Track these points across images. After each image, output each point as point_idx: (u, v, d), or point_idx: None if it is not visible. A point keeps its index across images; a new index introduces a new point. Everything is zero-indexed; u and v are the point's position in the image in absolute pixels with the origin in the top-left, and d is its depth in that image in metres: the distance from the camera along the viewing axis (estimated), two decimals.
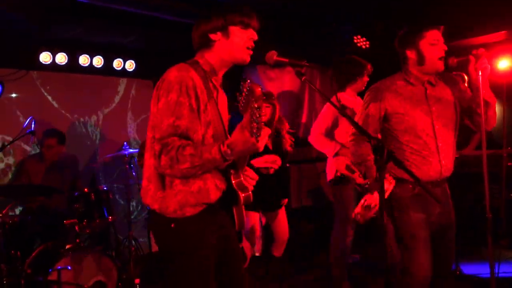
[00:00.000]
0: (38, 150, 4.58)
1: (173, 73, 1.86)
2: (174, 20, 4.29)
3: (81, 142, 5.25)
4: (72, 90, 5.18)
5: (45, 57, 4.70)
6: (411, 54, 2.54)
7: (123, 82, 5.59)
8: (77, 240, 3.62)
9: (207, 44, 1.98)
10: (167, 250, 1.96)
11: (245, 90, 1.65)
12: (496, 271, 2.78)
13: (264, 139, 1.71)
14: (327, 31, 4.97)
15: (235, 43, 1.95)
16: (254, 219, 3.86)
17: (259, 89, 1.63)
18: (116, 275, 3.62)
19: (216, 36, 1.95)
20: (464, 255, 4.48)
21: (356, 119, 2.64)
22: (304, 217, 5.23)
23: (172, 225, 1.88)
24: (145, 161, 1.96)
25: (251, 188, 1.99)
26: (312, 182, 5.25)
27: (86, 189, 3.83)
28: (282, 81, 5.82)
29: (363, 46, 5.01)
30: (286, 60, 1.95)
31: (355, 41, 5.01)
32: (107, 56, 5.13)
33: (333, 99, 4.23)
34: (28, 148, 4.76)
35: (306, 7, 4.48)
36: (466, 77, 4.14)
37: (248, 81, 1.68)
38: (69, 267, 3.36)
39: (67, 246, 3.51)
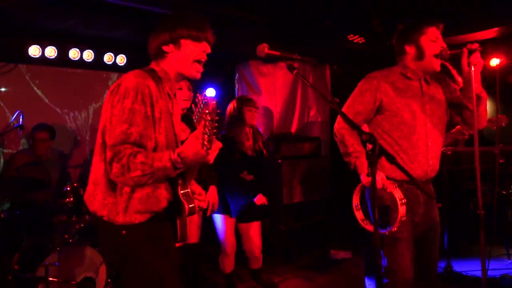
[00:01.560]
0: (26, 146, 4.53)
1: (129, 80, 1.85)
2: (166, 14, 4.24)
3: (70, 136, 5.20)
4: (62, 84, 5.12)
5: (34, 51, 4.63)
6: (410, 50, 2.51)
7: (114, 76, 5.53)
8: (66, 236, 3.57)
9: (161, 55, 1.99)
10: (120, 258, 1.92)
11: (200, 102, 1.68)
12: (487, 267, 2.79)
13: (214, 152, 1.76)
14: (322, 27, 4.95)
15: (186, 55, 1.96)
16: (230, 228, 3.82)
17: (214, 103, 1.65)
18: (105, 271, 3.58)
19: (168, 48, 1.97)
20: (455, 252, 4.50)
21: (347, 104, 2.58)
22: (294, 214, 5.22)
23: (123, 232, 1.86)
24: (92, 165, 1.93)
25: (197, 202, 1.99)
26: (304, 179, 5.23)
27: (75, 184, 3.79)
28: (275, 76, 5.79)
29: (360, 42, 4.99)
30: (277, 53, 1.92)
31: (350, 39, 4.99)
32: (98, 50, 5.07)
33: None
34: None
35: (300, 3, 4.45)
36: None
37: (204, 94, 1.71)
38: (57, 263, 3.32)
39: (56, 242, 3.46)
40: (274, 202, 4.89)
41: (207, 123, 1.63)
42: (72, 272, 3.43)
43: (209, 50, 2.00)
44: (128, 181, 1.75)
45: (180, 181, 1.92)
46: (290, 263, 4.83)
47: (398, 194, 2.30)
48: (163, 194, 1.91)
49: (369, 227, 2.44)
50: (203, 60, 1.99)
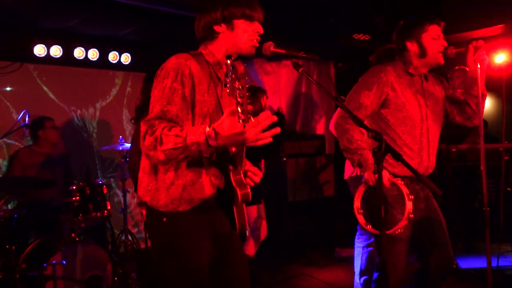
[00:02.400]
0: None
1: (171, 61, 1.82)
2: (171, 13, 4.25)
3: (77, 135, 5.22)
4: (67, 83, 5.14)
5: (39, 50, 4.65)
6: (411, 46, 2.49)
7: (119, 75, 5.55)
8: (72, 234, 3.59)
9: (211, 36, 1.92)
10: (158, 245, 1.91)
11: (229, 69, 1.54)
12: (495, 264, 2.78)
13: (256, 128, 1.52)
14: (326, 25, 4.95)
15: (240, 35, 1.89)
16: (252, 213, 3.88)
17: (242, 67, 1.51)
18: (111, 270, 3.60)
19: (220, 28, 1.90)
20: (461, 248, 4.49)
21: (351, 98, 2.52)
22: (298, 212, 5.23)
23: (164, 219, 1.83)
24: (142, 153, 1.88)
25: (251, 185, 1.92)
26: (308, 177, 5.24)
27: (81, 183, 3.80)
28: (279, 74, 5.80)
29: (364, 39, 4.99)
30: (283, 51, 1.92)
31: (356, 37, 4.99)
32: (103, 49, 5.08)
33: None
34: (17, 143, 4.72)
35: (305, 1, 4.46)
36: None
37: (231, 59, 1.58)
38: (64, 262, 3.34)
39: (62, 241, 3.48)
40: (278, 199, 4.91)
41: (236, 91, 1.49)
42: (79, 270, 3.45)
43: (261, 31, 1.93)
44: (159, 155, 1.66)
45: (231, 167, 1.83)
46: (295, 261, 4.84)
47: (405, 190, 2.30)
48: (209, 181, 1.85)
49: (373, 230, 2.42)
50: (256, 40, 1.92)
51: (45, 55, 4.69)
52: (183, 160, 1.78)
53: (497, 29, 4.86)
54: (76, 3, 4.00)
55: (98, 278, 3.52)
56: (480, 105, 2.53)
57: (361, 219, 2.44)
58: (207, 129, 1.58)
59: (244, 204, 1.89)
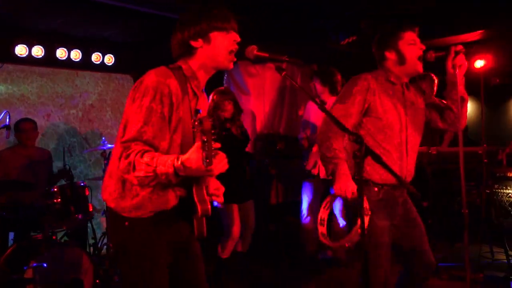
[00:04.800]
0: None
1: (151, 78, 1.84)
2: (154, 14, 4.24)
3: (59, 136, 5.17)
4: (49, 84, 5.09)
5: (20, 50, 4.59)
6: (390, 55, 2.52)
7: (102, 76, 5.50)
8: (54, 237, 3.55)
9: (189, 51, 1.95)
10: (119, 247, 1.96)
11: (196, 122, 1.60)
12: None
13: (218, 165, 1.72)
14: (310, 28, 4.99)
15: (218, 47, 1.92)
16: (236, 211, 3.91)
17: (208, 122, 1.55)
18: (93, 272, 3.56)
19: (197, 43, 1.92)
20: (440, 250, 4.56)
21: (337, 107, 2.52)
22: (282, 214, 5.25)
23: (126, 223, 1.90)
24: (111, 158, 1.95)
25: (214, 198, 2.01)
26: (293, 179, 5.26)
27: (63, 185, 3.76)
28: (264, 77, 5.81)
29: (348, 42, 5.05)
30: (266, 55, 1.94)
31: (343, 42, 5.04)
32: (86, 49, 5.04)
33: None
34: None
35: (289, 4, 4.49)
36: (435, 78, 4.23)
37: (200, 112, 1.63)
38: (45, 265, 3.30)
39: (43, 243, 3.43)
40: (261, 202, 4.92)
41: (203, 144, 1.55)
42: (60, 273, 3.41)
43: (238, 39, 1.95)
44: (133, 179, 1.75)
45: (194, 184, 1.88)
46: (279, 264, 4.85)
47: (366, 204, 2.27)
48: (174, 194, 1.92)
49: (330, 243, 2.45)
50: (234, 50, 1.95)
51: (27, 56, 4.63)
52: None
53: (477, 34, 4.96)
54: (59, 3, 3.96)
55: (79, 281, 3.48)
56: (461, 109, 2.57)
57: (322, 229, 2.43)
58: (176, 162, 1.66)
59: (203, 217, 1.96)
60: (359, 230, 2.21)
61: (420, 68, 2.52)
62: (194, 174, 1.71)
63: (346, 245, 2.32)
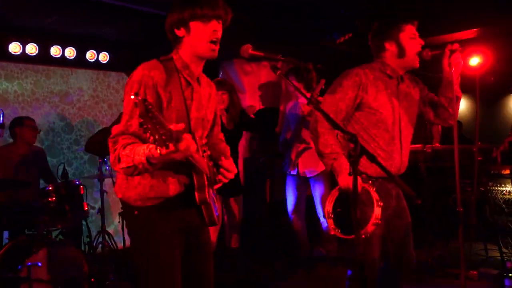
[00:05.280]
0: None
1: (137, 71, 1.89)
2: (149, 12, 4.23)
3: (54, 134, 5.15)
4: (43, 81, 5.07)
5: (14, 48, 4.57)
6: (390, 47, 2.50)
7: (97, 74, 5.48)
8: (49, 236, 3.54)
9: (178, 40, 1.98)
10: (132, 235, 2.04)
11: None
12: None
13: (181, 146, 1.55)
14: (306, 26, 4.99)
15: (197, 38, 1.93)
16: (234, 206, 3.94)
17: (142, 106, 1.45)
18: (88, 271, 3.56)
19: (180, 32, 1.94)
20: (435, 248, 4.58)
21: (328, 102, 2.51)
22: (278, 212, 5.26)
23: (135, 212, 1.96)
24: None
25: (224, 181, 2.08)
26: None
27: (57, 183, 3.75)
28: (259, 75, 5.81)
29: (344, 41, 5.05)
30: (261, 54, 1.94)
31: (338, 40, 5.04)
32: (80, 47, 5.02)
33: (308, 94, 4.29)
34: None
35: (285, 2, 4.48)
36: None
37: (140, 99, 1.48)
38: (40, 264, 3.29)
39: (38, 242, 3.42)
40: (258, 200, 4.92)
41: (146, 129, 1.48)
42: (55, 272, 3.40)
43: (218, 29, 1.93)
44: (120, 171, 1.82)
45: (193, 172, 1.91)
46: (274, 261, 4.86)
47: (375, 196, 2.30)
48: (176, 181, 1.94)
49: (341, 235, 2.41)
50: (215, 39, 1.94)
51: (21, 53, 4.61)
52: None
53: (472, 32, 4.97)
54: (53, 1, 3.94)
55: (74, 280, 3.47)
56: (454, 106, 2.59)
57: (330, 223, 2.43)
58: (146, 151, 1.68)
59: (211, 201, 1.99)
60: (376, 221, 2.26)
61: (417, 63, 2.52)
62: (164, 160, 1.71)
63: (363, 236, 2.32)
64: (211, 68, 6.02)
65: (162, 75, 1.88)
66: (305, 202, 4.54)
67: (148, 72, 1.86)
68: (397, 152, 2.53)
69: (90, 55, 5.10)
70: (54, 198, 3.63)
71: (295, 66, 4.43)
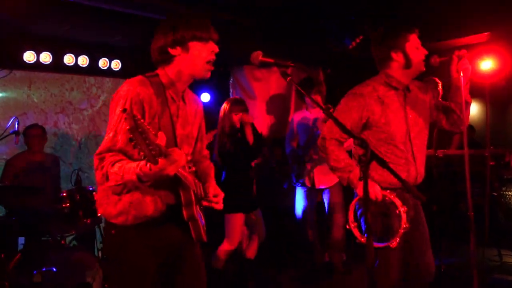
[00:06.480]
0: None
1: (122, 88, 1.90)
2: (161, 19, 4.26)
3: (66, 142, 5.21)
4: (57, 89, 5.14)
5: (29, 56, 4.64)
6: (397, 57, 2.49)
7: (109, 81, 5.55)
8: (62, 241, 3.58)
9: (168, 59, 1.98)
10: (106, 253, 2.06)
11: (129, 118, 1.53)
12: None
13: (169, 163, 1.59)
14: (316, 32, 5.00)
15: (196, 57, 1.95)
16: (240, 220, 3.90)
17: (129, 121, 1.47)
18: (101, 277, 3.58)
19: (175, 51, 1.95)
20: (447, 253, 4.54)
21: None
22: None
23: (113, 232, 1.95)
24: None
25: (215, 205, 2.08)
26: None
27: (71, 189, 3.80)
28: (269, 81, 5.83)
29: (353, 46, 5.04)
30: (271, 60, 1.96)
31: (349, 46, 5.03)
32: (93, 55, 5.09)
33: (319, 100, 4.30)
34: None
35: (294, 7, 4.50)
36: (439, 82, 4.24)
37: (127, 111, 1.52)
38: (54, 269, 3.33)
39: (52, 248, 3.47)
40: (267, 206, 4.91)
41: (135, 145, 1.49)
42: (69, 277, 3.44)
43: (217, 49, 1.99)
44: (107, 189, 1.82)
45: (180, 189, 1.90)
46: (286, 270, 4.85)
47: (398, 202, 2.32)
48: (157, 199, 1.92)
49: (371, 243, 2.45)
50: (212, 60, 1.98)
51: (35, 62, 4.68)
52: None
53: (483, 36, 4.94)
54: (66, 10, 4.00)
55: (88, 285, 3.50)
56: (464, 112, 2.57)
57: (356, 232, 2.46)
58: (136, 169, 1.68)
59: (199, 217, 1.98)
60: (405, 225, 2.28)
61: (422, 67, 2.51)
62: (155, 178, 1.70)
63: (395, 244, 2.34)
64: (222, 75, 6.09)
65: (148, 91, 1.89)
66: (315, 211, 4.57)
67: (133, 88, 1.87)
68: (411, 164, 2.52)
69: (103, 62, 5.16)
70: (68, 204, 3.66)
71: (308, 78, 4.47)
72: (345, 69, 5.94)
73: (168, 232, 1.99)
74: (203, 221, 2.08)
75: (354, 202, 2.51)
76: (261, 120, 5.73)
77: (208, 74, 2.01)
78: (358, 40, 4.98)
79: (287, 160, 4.84)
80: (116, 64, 5.25)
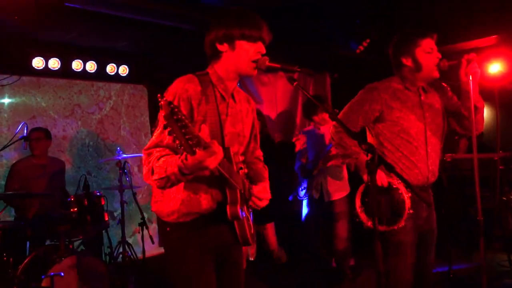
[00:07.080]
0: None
1: (173, 85, 1.91)
2: (168, 25, 4.30)
3: (74, 147, 5.24)
4: (65, 95, 5.18)
5: (37, 62, 4.69)
6: (406, 62, 2.56)
7: (117, 87, 5.59)
8: (70, 246, 3.60)
9: (216, 54, 1.97)
10: (165, 250, 2.03)
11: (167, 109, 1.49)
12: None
13: (208, 155, 1.55)
14: (322, 36, 5.00)
15: (241, 56, 1.93)
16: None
17: (164, 109, 1.43)
18: (109, 281, 3.60)
19: (223, 47, 1.94)
20: (456, 258, 4.50)
21: (346, 111, 2.63)
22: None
23: (168, 229, 1.97)
24: None
25: (254, 207, 2.07)
26: None
27: (79, 195, 3.81)
28: (276, 85, 5.84)
29: (359, 50, 5.04)
30: (278, 65, 1.95)
31: (357, 50, 5.03)
32: (100, 61, 5.12)
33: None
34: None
35: (300, 12, 4.50)
36: (447, 86, 4.22)
37: (164, 98, 1.48)
38: (62, 274, 3.34)
39: (60, 252, 3.48)
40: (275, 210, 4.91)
41: (171, 132, 1.46)
42: (77, 282, 3.45)
43: (264, 51, 1.96)
44: (153, 183, 1.79)
45: (227, 187, 1.89)
46: (293, 272, 4.84)
47: (403, 188, 2.37)
48: (209, 196, 1.92)
49: (379, 227, 2.45)
50: (258, 59, 1.95)
51: (43, 68, 4.73)
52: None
53: (491, 39, 4.92)
54: (74, 16, 4.04)
55: None
56: (474, 116, 2.56)
57: (363, 216, 2.49)
58: (178, 161, 1.67)
59: (244, 217, 1.97)
60: (410, 211, 2.34)
61: (436, 74, 2.54)
62: (194, 170, 1.67)
63: (395, 228, 2.39)
64: None
65: (196, 88, 1.89)
66: (321, 218, 4.59)
67: (183, 85, 1.88)
68: (423, 161, 2.54)
69: (110, 68, 5.21)
70: (75, 209, 3.69)
71: (316, 96, 4.50)
72: (352, 73, 5.94)
73: (218, 232, 1.98)
74: (251, 223, 2.07)
75: (360, 188, 2.55)
76: (267, 124, 5.73)
77: (255, 72, 1.99)
78: (365, 44, 4.98)
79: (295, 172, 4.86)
80: (123, 70, 5.29)
